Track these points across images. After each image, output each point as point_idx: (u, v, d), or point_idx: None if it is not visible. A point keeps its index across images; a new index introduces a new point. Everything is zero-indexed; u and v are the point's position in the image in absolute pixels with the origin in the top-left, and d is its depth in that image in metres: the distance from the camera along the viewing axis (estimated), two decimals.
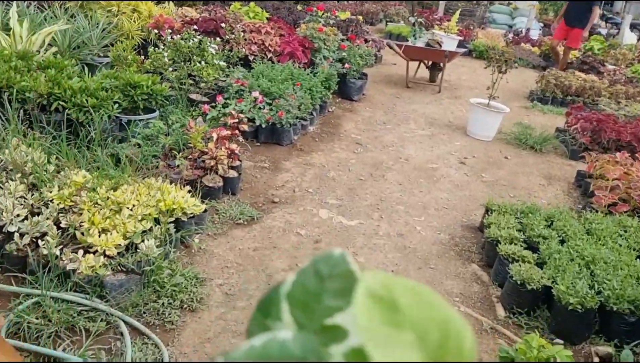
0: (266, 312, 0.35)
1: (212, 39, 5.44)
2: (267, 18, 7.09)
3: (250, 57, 5.73)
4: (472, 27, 11.60)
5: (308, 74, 5.15)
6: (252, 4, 6.99)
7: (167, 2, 7.13)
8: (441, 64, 6.95)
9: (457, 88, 7.71)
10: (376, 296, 0.31)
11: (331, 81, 5.23)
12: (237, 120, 3.81)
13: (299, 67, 5.38)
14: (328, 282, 0.35)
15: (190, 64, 4.96)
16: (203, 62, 4.77)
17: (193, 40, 4.95)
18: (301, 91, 4.82)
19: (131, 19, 6.06)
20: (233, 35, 5.60)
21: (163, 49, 4.95)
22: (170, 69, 4.69)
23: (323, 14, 6.55)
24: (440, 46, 6.89)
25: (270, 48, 5.83)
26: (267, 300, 0.35)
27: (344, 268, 0.35)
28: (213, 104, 4.52)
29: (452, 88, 7.66)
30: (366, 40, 8.13)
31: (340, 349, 0.32)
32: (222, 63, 4.83)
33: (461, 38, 7.22)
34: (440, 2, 17.68)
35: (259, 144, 4.43)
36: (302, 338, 0.32)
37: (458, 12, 7.68)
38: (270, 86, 4.74)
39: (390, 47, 6.86)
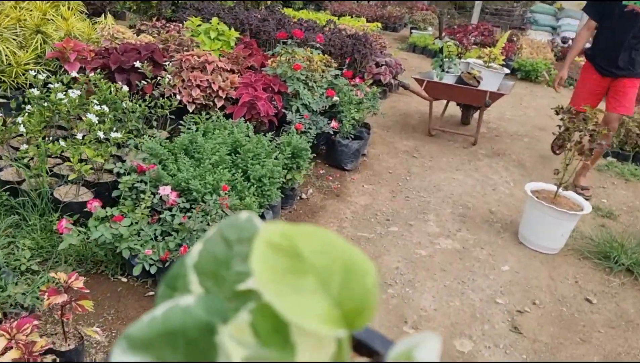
0: (173, 286, 0.33)
1: (123, 83, 3.55)
2: (237, 38, 5.14)
3: (190, 108, 3.82)
4: (515, 39, 9.41)
5: (263, 145, 3.18)
6: (214, 19, 5.03)
7: (102, 16, 5.27)
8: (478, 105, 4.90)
9: (499, 135, 5.62)
10: (275, 246, 0.30)
11: (300, 159, 3.25)
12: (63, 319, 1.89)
13: (259, 125, 3.43)
14: (237, 247, 0.34)
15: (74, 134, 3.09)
16: (79, 135, 2.86)
17: (72, 94, 3.04)
18: (241, 186, 2.87)
19: (28, 45, 4.21)
20: (158, 78, 3.68)
21: (30, 110, 3.08)
22: (25, 146, 2.81)
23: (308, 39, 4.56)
24: (479, 82, 4.82)
25: (221, 93, 3.89)
26: (174, 273, 0.33)
27: (252, 231, 0.34)
28: (93, 207, 2.64)
29: (491, 135, 5.57)
30: (377, 65, 6.12)
31: (247, 308, 0.30)
32: (116, 135, 2.91)
33: (508, 71, 5.13)
34: (476, 2, 15.44)
35: (154, 292, 2.52)
36: (205, 300, 0.30)
37: (506, 35, 5.54)
38: (193, 174, 2.82)
39: (406, 88, 4.81)
